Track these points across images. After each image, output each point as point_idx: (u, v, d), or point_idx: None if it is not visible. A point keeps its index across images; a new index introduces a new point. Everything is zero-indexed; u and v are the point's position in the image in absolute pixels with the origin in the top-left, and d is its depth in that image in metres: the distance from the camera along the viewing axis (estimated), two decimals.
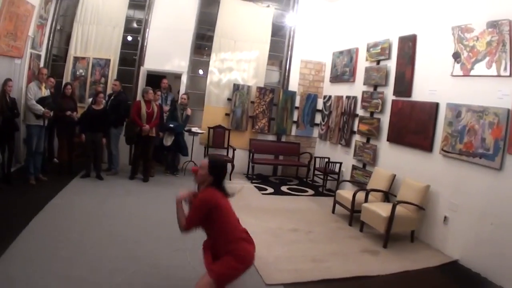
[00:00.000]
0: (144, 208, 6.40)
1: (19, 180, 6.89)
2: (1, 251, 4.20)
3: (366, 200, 6.37)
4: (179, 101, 8.95)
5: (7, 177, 6.75)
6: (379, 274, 4.74)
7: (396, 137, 7.04)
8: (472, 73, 5.46)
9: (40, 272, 3.93)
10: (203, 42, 10.10)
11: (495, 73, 5.07)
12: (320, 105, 10.32)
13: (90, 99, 8.00)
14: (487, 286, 4.72)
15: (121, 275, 4.06)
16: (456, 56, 5.71)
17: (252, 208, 7.04)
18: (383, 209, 5.81)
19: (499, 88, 5.02)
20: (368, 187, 7.01)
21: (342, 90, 9.30)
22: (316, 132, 10.43)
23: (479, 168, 5.21)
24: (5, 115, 6.37)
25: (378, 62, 7.88)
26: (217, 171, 3.51)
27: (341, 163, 8.87)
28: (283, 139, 10.31)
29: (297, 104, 10.25)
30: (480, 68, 5.32)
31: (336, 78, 9.61)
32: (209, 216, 3.29)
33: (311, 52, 10.29)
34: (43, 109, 6.77)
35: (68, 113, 7.50)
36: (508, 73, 4.89)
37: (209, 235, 3.49)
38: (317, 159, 9.49)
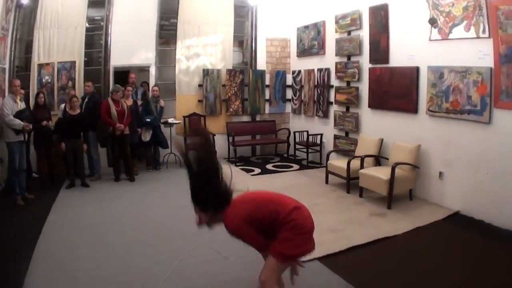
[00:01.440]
0: (144, 208, 6.38)
1: (4, 204, 6.50)
2: None
3: (362, 167, 6.70)
4: (150, 94, 8.90)
5: None
6: (396, 234, 5.09)
7: (378, 103, 7.39)
8: (450, 36, 5.81)
9: None
10: (167, 31, 10.00)
11: (474, 36, 5.42)
12: (289, 80, 10.54)
13: (62, 105, 7.77)
14: (494, 231, 5.15)
15: (154, 283, 3.96)
16: (433, 21, 6.05)
17: (248, 191, 7.19)
18: (382, 173, 6.16)
19: (480, 49, 5.38)
20: (356, 154, 7.33)
21: (312, 63, 9.55)
22: (288, 107, 10.68)
23: (468, 124, 5.62)
24: None
25: (349, 33, 8.14)
26: (206, 195, 2.95)
27: (321, 135, 9.18)
28: (258, 118, 10.51)
29: (267, 82, 10.43)
30: (458, 31, 5.67)
31: (304, 52, 9.83)
32: (256, 227, 2.92)
33: (275, 30, 10.46)
34: (22, 123, 6.41)
35: (44, 123, 7.17)
36: (487, 35, 5.25)
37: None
38: (296, 134, 9.75)
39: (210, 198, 2.95)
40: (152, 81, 9.53)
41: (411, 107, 6.58)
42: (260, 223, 2.90)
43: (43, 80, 8.77)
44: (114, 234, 5.30)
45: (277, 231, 2.89)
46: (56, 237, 5.15)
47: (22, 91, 7.20)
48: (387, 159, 6.78)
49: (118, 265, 4.37)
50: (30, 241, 4.96)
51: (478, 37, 5.39)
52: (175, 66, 9.78)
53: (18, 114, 6.49)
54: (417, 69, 6.46)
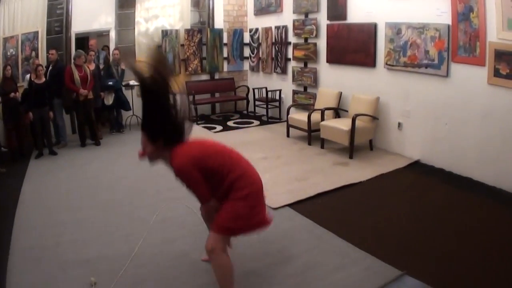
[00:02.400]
0: (115, 169, 6.46)
1: None
2: (3, 265, 3.73)
3: (322, 119, 6.97)
4: (111, 58, 8.80)
5: None
6: (361, 180, 5.44)
7: (336, 58, 7.63)
8: None
9: (55, 269, 3.62)
10: None
11: None
12: (246, 39, 10.60)
13: (28, 75, 7.60)
14: (454, 178, 5.54)
15: (136, 238, 4.02)
16: None
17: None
18: (342, 124, 6.47)
19: (437, 7, 5.64)
20: (316, 107, 7.59)
21: (269, 21, 9.62)
22: (246, 65, 10.78)
23: (426, 77, 5.94)
24: None
25: None
26: (157, 123, 2.68)
27: (280, 90, 9.39)
28: (217, 76, 10.55)
29: (225, 41, 10.44)
30: None
31: (261, 10, 9.88)
32: (204, 176, 2.67)
33: None
34: None
35: (12, 94, 7.03)
36: None
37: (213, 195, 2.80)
38: (255, 91, 9.91)
39: (161, 127, 2.66)
40: (112, 45, 9.35)
41: (369, 61, 6.85)
42: (209, 173, 2.66)
43: (8, 54, 8.50)
44: (90, 197, 5.36)
45: (223, 193, 2.75)
46: (34, 206, 5.14)
47: None
48: (347, 111, 7.07)
49: (100, 226, 4.44)
50: (8, 213, 4.94)
51: None
52: (134, 29, 9.63)
53: None
54: (375, 26, 6.69)
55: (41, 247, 4.04)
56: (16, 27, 8.56)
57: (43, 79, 7.30)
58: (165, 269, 3.48)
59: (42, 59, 8.42)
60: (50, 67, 7.89)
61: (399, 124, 6.48)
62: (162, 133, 2.68)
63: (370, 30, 6.76)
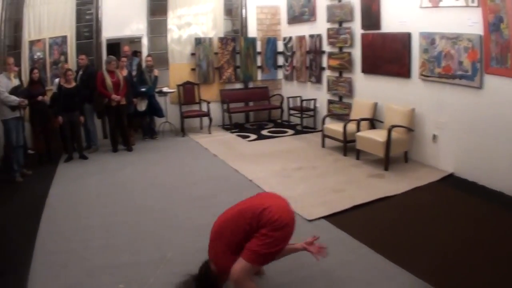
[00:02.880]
0: (147, 176, 6.54)
1: (1, 181, 6.49)
2: (25, 270, 3.71)
3: (358, 130, 7.00)
4: (144, 64, 9.02)
5: None
6: (396, 193, 5.44)
7: (371, 68, 7.63)
8: (441, 4, 6.02)
9: (81, 274, 3.61)
10: (157, 2, 9.94)
11: (464, 4, 5.64)
12: (280, 47, 10.71)
13: (57, 80, 7.82)
14: (487, 193, 5.45)
15: (169, 247, 4.05)
16: None
17: (247, 155, 7.51)
18: (378, 135, 6.48)
19: (469, 17, 5.60)
20: (351, 117, 7.62)
21: (303, 30, 9.71)
22: (280, 74, 10.88)
23: (461, 88, 5.89)
24: None
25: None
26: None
27: (315, 100, 9.44)
28: (251, 85, 10.69)
29: (258, 49, 10.59)
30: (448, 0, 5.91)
31: (295, 19, 9.97)
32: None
33: None
34: (18, 99, 6.46)
35: (40, 98, 7.21)
36: (476, 4, 5.45)
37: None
38: (290, 100, 10.00)
39: None
40: (144, 51, 9.62)
41: (404, 72, 6.83)
42: (246, 241, 2.85)
43: (35, 57, 8.79)
44: (121, 203, 5.39)
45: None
46: (62, 210, 5.16)
47: (16, 68, 7.23)
48: (382, 122, 7.08)
49: (130, 232, 4.46)
50: (34, 216, 4.95)
51: (467, 6, 5.59)
52: (166, 35, 9.87)
53: (13, 91, 6.54)
54: (409, 35, 6.67)
55: (68, 252, 4.01)
56: (43, 30, 8.80)
57: (73, 84, 7.50)
58: None
59: (71, 64, 8.65)
60: (81, 72, 8.10)
61: (434, 136, 6.44)
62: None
63: (404, 40, 6.76)
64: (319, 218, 4.76)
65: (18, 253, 4.07)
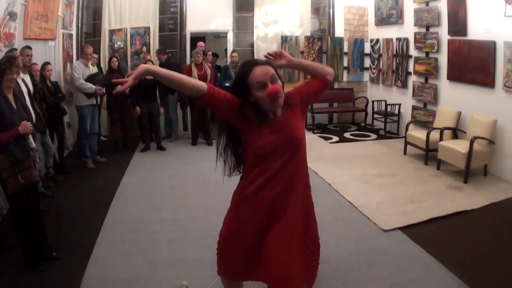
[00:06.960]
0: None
1: (73, 168, 6.59)
2: (88, 253, 3.83)
3: (441, 139, 6.94)
4: (229, 60, 9.21)
5: (60, 166, 6.44)
6: (473, 208, 5.41)
7: (457, 76, 7.49)
8: None
9: (144, 266, 3.61)
10: None
11: None
12: (367, 49, 10.70)
13: None
14: None
15: None
16: None
17: (328, 157, 7.64)
18: (460, 146, 6.41)
19: None
20: (435, 125, 7.55)
21: (390, 32, 9.66)
22: (366, 76, 10.88)
23: None
24: (49, 101, 5.92)
25: (427, 3, 8.19)
26: None
27: (399, 105, 9.39)
28: (336, 86, 10.72)
29: (345, 50, 10.63)
30: None
31: (382, 21, 9.94)
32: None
33: None
34: (94, 86, 6.58)
35: (119, 87, 7.58)
36: None
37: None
38: (374, 103, 10.01)
39: None
40: (230, 47, 9.94)
41: (488, 81, 6.67)
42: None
43: (115, 46, 9.22)
44: (195, 197, 5.36)
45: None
46: (132, 200, 5.21)
47: (96, 56, 7.61)
48: (465, 132, 6.97)
49: (201, 228, 4.41)
50: (103, 203, 5.03)
51: None
52: (253, 32, 10.16)
53: (90, 78, 6.72)
54: (494, 44, 6.51)
55: (133, 242, 4.04)
56: (124, 20, 9.16)
57: None
58: None
59: (153, 56, 8.85)
60: (163, 63, 8.29)
61: None
62: None
63: (489, 49, 6.58)
64: (394, 229, 4.82)
65: (82, 239, 4.13)
